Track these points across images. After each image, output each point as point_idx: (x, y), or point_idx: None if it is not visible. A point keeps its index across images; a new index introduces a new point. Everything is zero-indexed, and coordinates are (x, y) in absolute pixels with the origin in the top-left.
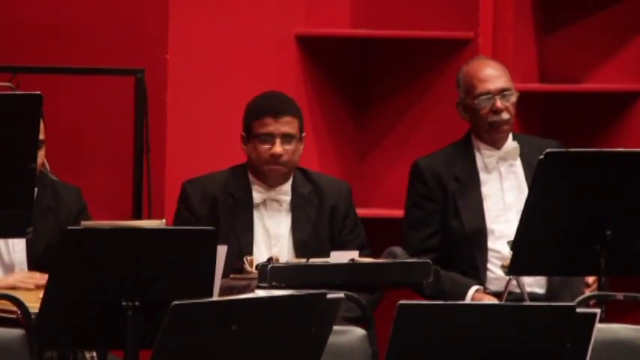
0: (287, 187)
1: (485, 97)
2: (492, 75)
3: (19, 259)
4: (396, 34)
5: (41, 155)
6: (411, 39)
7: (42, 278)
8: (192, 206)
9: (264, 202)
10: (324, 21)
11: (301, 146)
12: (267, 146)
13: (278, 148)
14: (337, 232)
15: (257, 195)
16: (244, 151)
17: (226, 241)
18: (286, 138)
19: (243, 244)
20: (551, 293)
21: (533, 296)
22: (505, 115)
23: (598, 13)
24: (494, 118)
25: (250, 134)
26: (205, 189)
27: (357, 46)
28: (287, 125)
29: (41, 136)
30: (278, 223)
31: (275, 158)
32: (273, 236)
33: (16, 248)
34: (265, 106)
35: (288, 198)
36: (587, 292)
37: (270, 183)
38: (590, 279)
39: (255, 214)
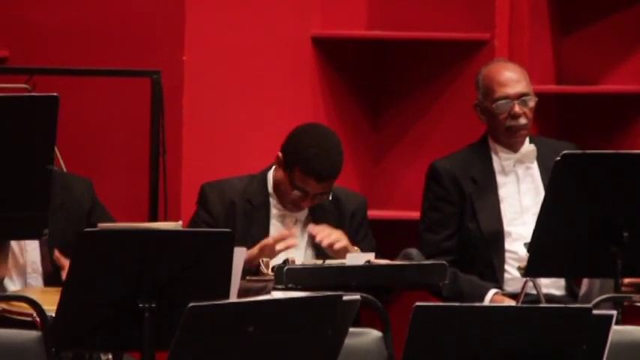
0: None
1: (503, 101)
2: (511, 79)
3: (31, 259)
4: (411, 35)
5: None
6: (427, 40)
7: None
8: (210, 208)
9: (282, 215)
10: (340, 22)
11: None
12: (300, 195)
13: (308, 203)
14: (353, 237)
15: (274, 209)
16: (276, 168)
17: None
18: (319, 195)
19: None
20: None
21: (550, 298)
22: (523, 120)
23: (614, 15)
24: (512, 122)
25: (289, 170)
26: (224, 193)
27: (372, 48)
28: (326, 187)
29: None
30: (297, 233)
31: (302, 207)
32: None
33: (28, 248)
34: (315, 168)
35: (305, 213)
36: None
37: (289, 209)
38: (626, 280)
39: (272, 221)
